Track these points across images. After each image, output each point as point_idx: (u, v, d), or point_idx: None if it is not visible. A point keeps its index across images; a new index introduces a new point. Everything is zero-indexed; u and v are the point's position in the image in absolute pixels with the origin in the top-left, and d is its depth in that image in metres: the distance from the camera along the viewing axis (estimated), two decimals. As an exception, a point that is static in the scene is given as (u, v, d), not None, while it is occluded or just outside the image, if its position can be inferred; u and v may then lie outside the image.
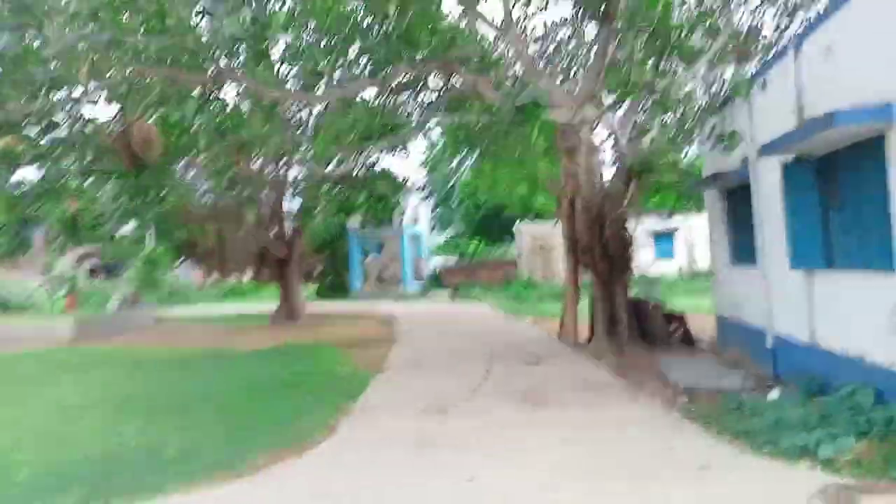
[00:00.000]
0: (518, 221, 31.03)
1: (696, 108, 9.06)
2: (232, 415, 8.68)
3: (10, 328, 19.76)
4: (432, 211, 49.99)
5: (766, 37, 11.10)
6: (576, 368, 10.02)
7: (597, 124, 10.42)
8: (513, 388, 8.76)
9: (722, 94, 9.20)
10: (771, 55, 9.28)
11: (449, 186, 43.78)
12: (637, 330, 11.86)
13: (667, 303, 12.04)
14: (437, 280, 31.48)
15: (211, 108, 10.59)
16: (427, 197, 47.94)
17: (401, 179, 22.75)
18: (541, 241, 29.39)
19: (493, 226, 34.69)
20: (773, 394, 7.52)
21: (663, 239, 30.21)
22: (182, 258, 36.34)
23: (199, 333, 21.00)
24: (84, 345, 19.03)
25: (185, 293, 41.68)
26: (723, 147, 8.25)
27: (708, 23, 10.15)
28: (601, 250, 11.36)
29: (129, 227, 37.71)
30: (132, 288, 39.42)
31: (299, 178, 21.77)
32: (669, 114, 9.21)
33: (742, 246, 10.09)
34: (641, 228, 28.67)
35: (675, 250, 30.51)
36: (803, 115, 7.03)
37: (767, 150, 7.06)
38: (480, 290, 28.55)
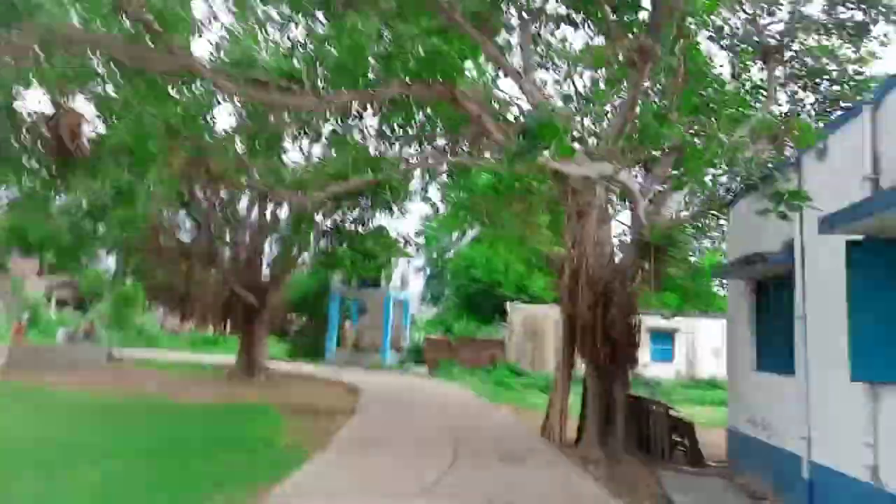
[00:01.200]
0: (511, 302, 29.29)
1: (746, 163, 7.59)
2: (116, 481, 6.79)
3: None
4: (424, 283, 48.41)
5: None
6: (558, 475, 8.07)
7: (613, 183, 8.96)
8: (477, 490, 6.82)
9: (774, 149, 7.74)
10: (837, 117, 7.93)
11: (444, 258, 42.38)
12: (635, 436, 9.96)
13: (672, 407, 10.18)
14: (417, 353, 29.37)
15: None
16: (420, 269, 46.50)
17: (394, 238, 21.25)
18: (533, 326, 27.53)
19: (484, 304, 32.91)
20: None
21: (661, 339, 28.29)
22: (156, 300, 34.44)
23: (144, 379, 18.91)
24: (8, 377, 16.98)
25: (154, 336, 39.61)
26: (781, 211, 6.64)
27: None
28: (603, 334, 9.64)
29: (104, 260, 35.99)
30: (98, 323, 37.32)
31: (283, 221, 20.24)
32: (705, 174, 7.76)
33: (772, 349, 8.39)
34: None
35: (674, 353, 28.56)
36: (879, 184, 5.55)
37: (833, 222, 5.55)
38: (462, 370, 26.45)
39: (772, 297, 8.51)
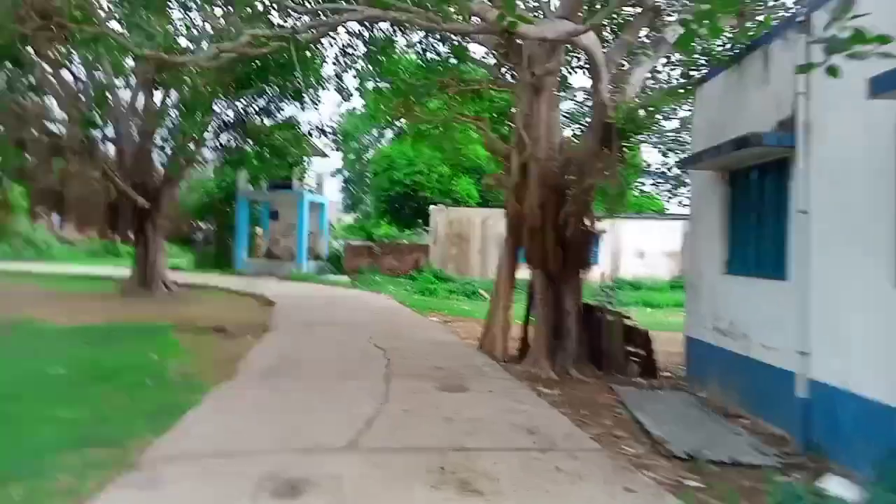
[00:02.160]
0: (435, 205, 27.79)
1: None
2: None
3: None
4: (342, 188, 45.94)
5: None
6: (510, 403, 6.86)
7: (574, 48, 7.29)
8: (422, 434, 5.46)
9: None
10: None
11: (362, 159, 40.02)
12: (586, 349, 8.94)
13: (627, 316, 9.18)
14: (336, 261, 27.67)
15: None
16: (337, 171, 43.85)
17: (305, 132, 18.85)
18: (458, 229, 26.32)
19: (406, 209, 31.28)
20: (835, 484, 4.70)
21: None
22: (42, 205, 30.42)
23: (18, 297, 16.33)
24: None
25: (45, 247, 35.85)
26: (833, 67, 5.17)
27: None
28: (555, 235, 8.31)
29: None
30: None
31: (174, 110, 17.35)
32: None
33: (752, 250, 7.32)
34: None
35: (600, 256, 28.26)
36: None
37: (887, 83, 4.21)
38: (385, 278, 25.12)
39: (752, 189, 7.33)
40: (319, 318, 13.48)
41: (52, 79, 16.18)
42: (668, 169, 13.58)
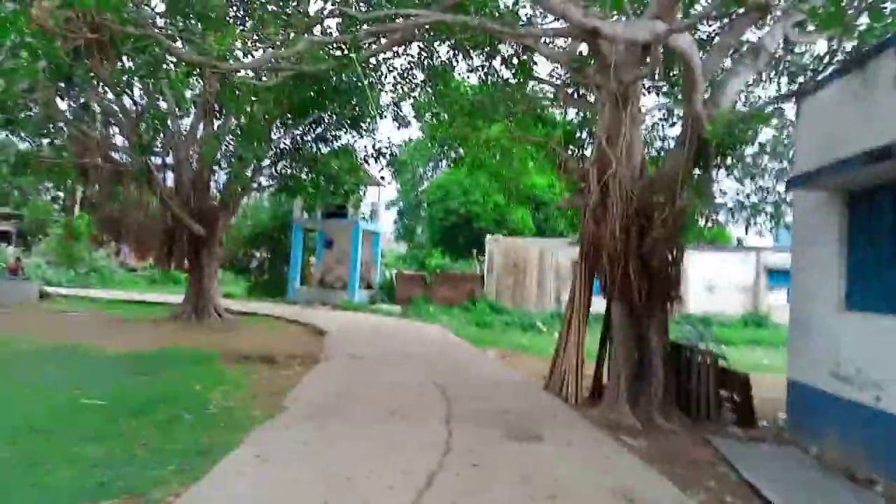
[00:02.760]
0: (490, 235, 26.94)
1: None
2: None
3: None
4: (396, 219, 45.75)
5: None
6: (592, 455, 5.87)
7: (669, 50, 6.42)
8: (495, 499, 4.54)
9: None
10: None
11: (417, 189, 39.74)
12: (673, 392, 7.84)
13: (721, 356, 8.03)
14: (389, 291, 27.04)
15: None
16: (393, 202, 43.76)
17: (361, 158, 18.42)
18: (514, 259, 25.35)
19: (460, 238, 30.54)
20: None
21: None
22: (107, 233, 31.16)
23: (74, 321, 16.29)
24: None
25: (107, 274, 36.71)
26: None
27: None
28: (639, 262, 7.34)
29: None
30: (36, 259, 34.19)
31: (231, 138, 17.22)
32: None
33: (883, 282, 6.19)
34: (566, 257, 24.43)
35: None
36: None
37: None
38: (438, 308, 24.31)
39: (884, 211, 6.23)
40: (371, 350, 12.73)
41: (113, 106, 16.34)
42: (747, 196, 12.29)
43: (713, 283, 24.72)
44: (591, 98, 9.87)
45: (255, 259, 29.13)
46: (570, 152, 9.50)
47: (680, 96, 8.57)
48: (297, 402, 7.67)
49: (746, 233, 12.30)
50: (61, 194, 36.29)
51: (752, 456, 6.32)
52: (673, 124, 10.44)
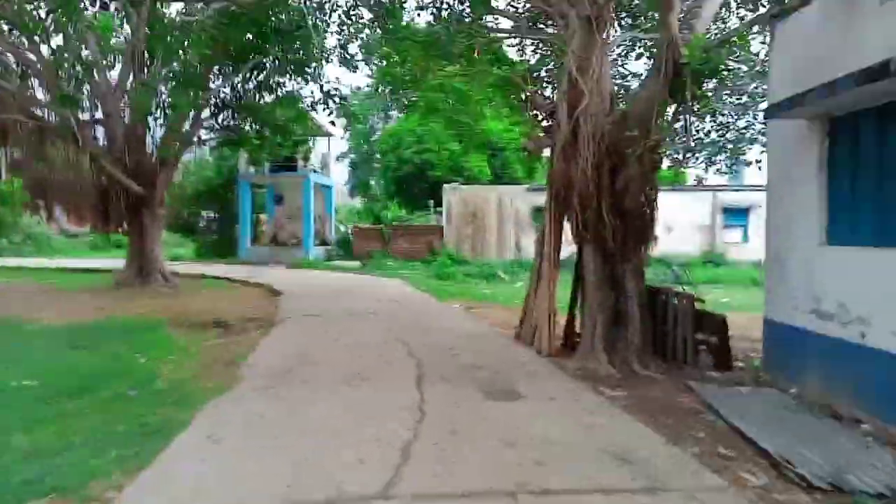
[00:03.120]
0: (447, 184, 26.32)
1: None
2: None
3: None
4: (349, 173, 44.48)
5: None
6: (579, 411, 5.52)
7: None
8: (479, 468, 4.12)
9: None
10: None
11: (370, 141, 38.54)
12: (649, 338, 7.57)
13: (698, 298, 7.76)
14: (345, 246, 26.32)
15: None
16: (343, 154, 42.43)
17: (308, 105, 17.33)
18: (473, 208, 24.88)
19: (415, 189, 29.81)
20: None
21: None
22: (38, 197, 29.17)
23: (10, 293, 15.11)
24: None
25: (41, 240, 34.82)
26: None
27: None
28: (612, 203, 6.91)
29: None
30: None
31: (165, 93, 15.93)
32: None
33: (870, 213, 5.92)
34: (526, 204, 24.07)
35: None
36: None
37: None
38: (397, 262, 23.76)
39: (869, 137, 5.91)
40: (330, 309, 12.17)
41: (30, 55, 14.80)
42: (707, 133, 12.07)
43: (671, 223, 24.83)
44: (552, 30, 9.25)
45: (202, 219, 27.86)
46: (534, 89, 8.89)
47: (648, 25, 8.02)
48: (254, 369, 7.09)
49: (706, 171, 12.04)
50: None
51: (735, 401, 6.10)
52: (639, 56, 9.92)
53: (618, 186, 7.02)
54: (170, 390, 6.38)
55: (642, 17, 9.32)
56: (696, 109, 7.06)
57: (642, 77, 8.25)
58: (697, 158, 12.80)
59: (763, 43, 7.88)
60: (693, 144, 11.89)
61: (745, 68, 7.36)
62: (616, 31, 8.36)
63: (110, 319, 11.19)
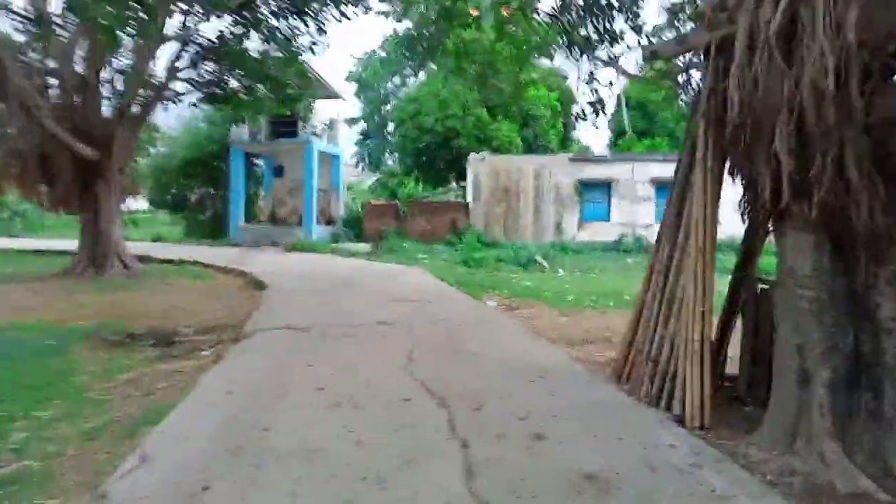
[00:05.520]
0: (473, 154, 22.65)
1: None
2: None
3: None
4: (360, 145, 40.75)
5: None
6: None
7: None
8: None
9: None
10: None
11: (385, 108, 34.86)
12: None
13: None
14: (355, 226, 22.77)
15: None
16: (355, 121, 38.76)
17: (306, 47, 13.70)
18: (505, 182, 21.23)
19: (438, 161, 26.18)
20: None
21: (595, 190, 21.82)
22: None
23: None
24: None
25: (31, 218, 32.08)
26: None
27: None
28: (861, 151, 3.33)
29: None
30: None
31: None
32: None
33: None
34: (568, 177, 20.69)
35: (612, 209, 22.15)
36: None
37: None
38: (416, 245, 20.24)
39: None
40: (324, 315, 8.70)
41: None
42: None
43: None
44: None
45: (193, 194, 24.46)
46: None
47: None
48: (163, 449, 3.65)
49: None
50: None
51: None
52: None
53: (873, 119, 3.43)
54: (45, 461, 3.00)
55: None
56: None
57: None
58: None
59: None
60: None
61: None
62: None
63: (13, 326, 7.87)
